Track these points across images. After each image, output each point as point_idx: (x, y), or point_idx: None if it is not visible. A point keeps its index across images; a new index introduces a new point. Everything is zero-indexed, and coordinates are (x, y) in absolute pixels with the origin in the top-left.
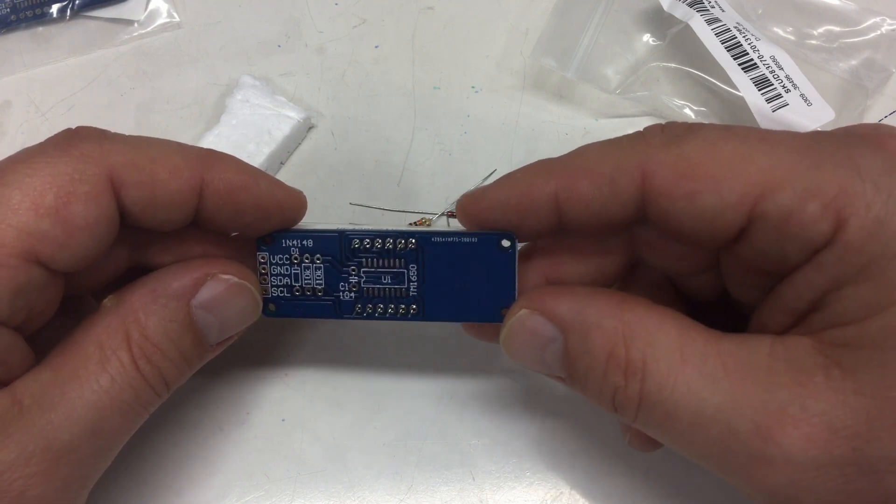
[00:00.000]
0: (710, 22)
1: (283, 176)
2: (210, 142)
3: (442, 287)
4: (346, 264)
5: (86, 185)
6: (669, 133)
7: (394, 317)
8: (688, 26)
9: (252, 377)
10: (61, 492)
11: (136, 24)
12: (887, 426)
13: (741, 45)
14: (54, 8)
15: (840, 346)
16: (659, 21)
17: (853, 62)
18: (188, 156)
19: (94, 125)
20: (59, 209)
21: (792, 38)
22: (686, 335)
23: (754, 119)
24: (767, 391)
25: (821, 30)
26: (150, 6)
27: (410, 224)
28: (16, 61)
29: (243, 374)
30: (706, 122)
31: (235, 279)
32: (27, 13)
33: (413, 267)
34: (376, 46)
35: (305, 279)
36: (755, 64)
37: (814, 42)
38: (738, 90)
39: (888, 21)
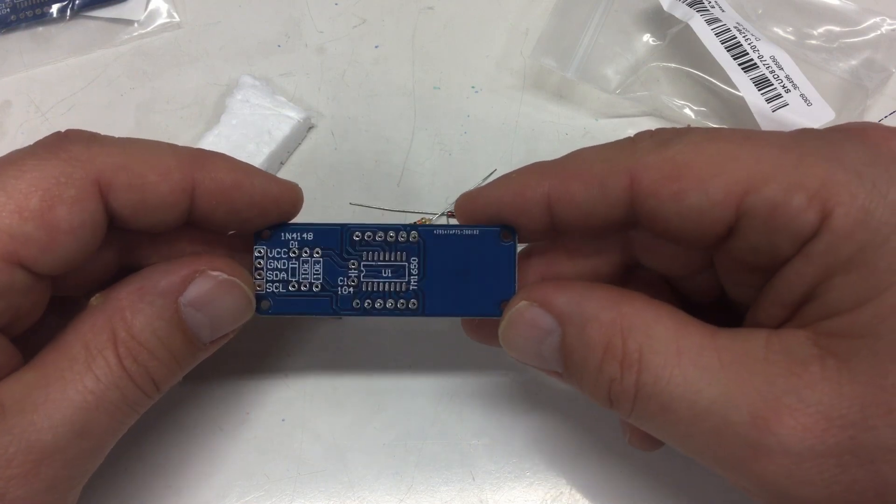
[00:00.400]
0: (710, 22)
1: (283, 176)
2: (210, 142)
3: (442, 281)
4: (347, 258)
5: (72, 188)
6: (658, 138)
7: (392, 312)
8: (688, 26)
9: (252, 377)
10: (45, 493)
11: (136, 24)
12: (881, 414)
13: (741, 45)
14: (54, 8)
15: (834, 336)
16: (659, 21)
17: (853, 62)
18: (178, 157)
19: (94, 125)
20: (43, 212)
21: (792, 38)
22: (683, 328)
23: (754, 119)
24: (764, 383)
25: (821, 30)
26: (150, 6)
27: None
28: (16, 61)
29: (243, 375)
30: (706, 122)
31: (225, 276)
32: (27, 13)
33: (414, 260)
34: (376, 46)
35: (303, 273)
36: (755, 64)
37: (814, 42)
38: (738, 90)
39: (888, 21)
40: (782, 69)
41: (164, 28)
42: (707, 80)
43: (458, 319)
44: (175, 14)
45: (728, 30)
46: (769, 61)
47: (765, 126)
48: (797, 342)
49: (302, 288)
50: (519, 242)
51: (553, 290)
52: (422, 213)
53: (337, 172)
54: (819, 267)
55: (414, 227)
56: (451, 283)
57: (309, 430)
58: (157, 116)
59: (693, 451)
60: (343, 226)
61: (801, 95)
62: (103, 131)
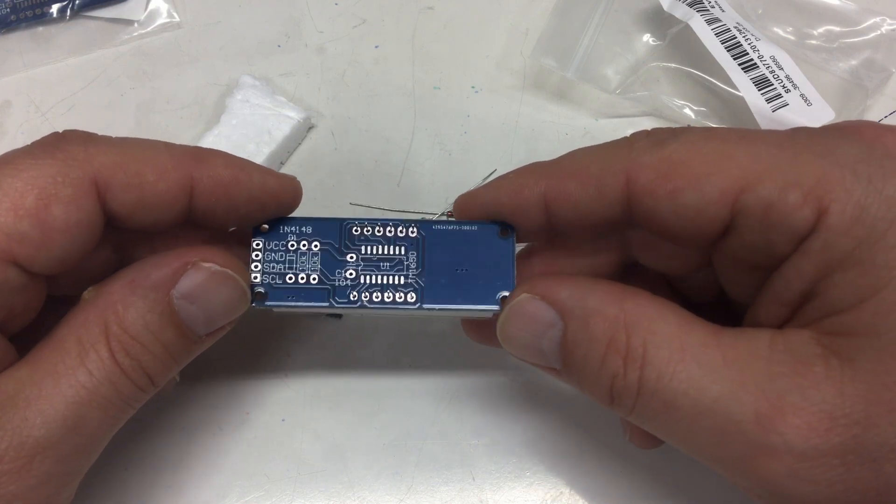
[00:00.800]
0: (710, 22)
1: None
2: (210, 142)
3: (440, 275)
4: (345, 251)
5: (68, 187)
6: (654, 137)
7: (390, 306)
8: (688, 26)
9: (252, 377)
10: (38, 489)
11: (136, 24)
12: (885, 413)
13: (741, 45)
14: (54, 8)
15: (837, 334)
16: (659, 21)
17: (853, 62)
18: (176, 155)
19: (94, 125)
20: (38, 211)
21: (792, 38)
22: (686, 325)
23: (754, 119)
24: (768, 381)
25: (821, 30)
26: (150, 6)
27: None
28: (16, 61)
29: (243, 375)
30: (706, 122)
31: (217, 267)
32: (27, 13)
33: (413, 254)
34: (376, 46)
35: (301, 266)
36: (755, 64)
37: (814, 42)
38: (738, 90)
39: (888, 21)
40: (782, 69)
41: (164, 28)
42: (707, 80)
43: (457, 319)
44: (175, 14)
45: (728, 30)
46: (769, 61)
47: (765, 126)
48: (801, 341)
49: (299, 280)
50: (517, 241)
51: (555, 283)
52: (422, 213)
53: (337, 172)
54: (817, 264)
55: (413, 221)
56: (450, 277)
57: (309, 430)
58: (157, 116)
59: (695, 449)
60: (342, 219)
61: (801, 95)
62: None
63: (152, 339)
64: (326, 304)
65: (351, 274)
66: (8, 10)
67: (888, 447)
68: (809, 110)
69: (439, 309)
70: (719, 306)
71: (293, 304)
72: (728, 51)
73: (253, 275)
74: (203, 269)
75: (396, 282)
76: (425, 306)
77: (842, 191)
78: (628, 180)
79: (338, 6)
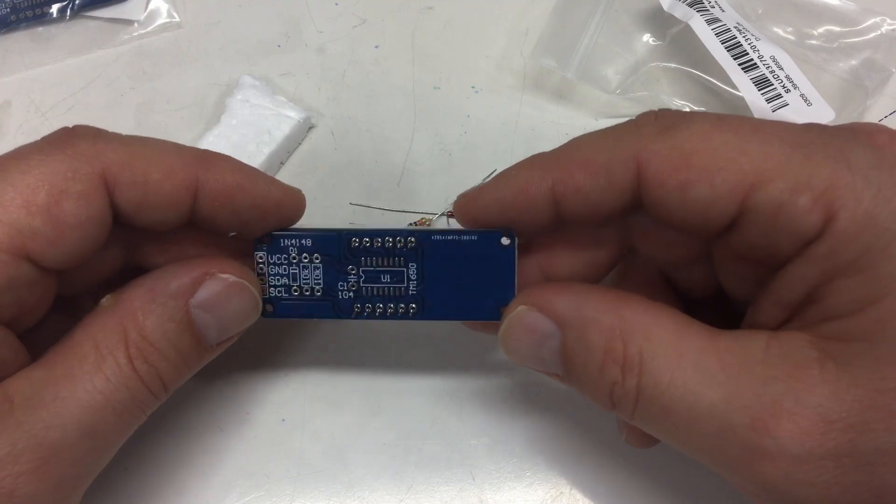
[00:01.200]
0: (710, 22)
1: (283, 176)
2: (210, 142)
3: (441, 285)
4: (345, 263)
5: (79, 183)
6: (663, 122)
7: (393, 316)
8: (688, 26)
9: (252, 377)
10: (52, 491)
11: (136, 24)
12: (881, 418)
13: (741, 45)
14: (54, 8)
15: (834, 339)
16: (659, 21)
17: (853, 62)
18: (183, 156)
19: (94, 125)
20: (50, 207)
21: (792, 38)
22: (682, 331)
23: None
24: (763, 385)
25: (821, 30)
26: (150, 6)
27: (410, 224)
28: (16, 61)
29: (243, 374)
30: None
31: (234, 278)
32: (27, 13)
33: (413, 265)
34: (376, 46)
35: (304, 279)
36: (755, 64)
37: (814, 42)
38: (738, 90)
39: (888, 21)
40: (782, 69)
41: (164, 28)
42: (707, 80)
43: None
44: (175, 14)
45: (728, 30)
46: (769, 61)
47: None
48: (797, 345)
49: (304, 293)
50: (519, 238)
51: (551, 293)
52: (422, 213)
53: (337, 172)
54: (821, 269)
55: (411, 232)
56: (451, 287)
57: (309, 430)
58: (157, 116)
59: (694, 452)
60: (340, 232)
61: (801, 95)
62: None
63: (169, 346)
64: (332, 316)
65: (353, 286)
66: (8, 10)
67: (884, 452)
68: (809, 110)
69: (440, 318)
70: (718, 306)
71: (299, 316)
72: (728, 51)
73: (260, 286)
74: (221, 279)
75: (397, 293)
76: (427, 317)
77: (851, 197)
78: (638, 168)
79: (338, 6)
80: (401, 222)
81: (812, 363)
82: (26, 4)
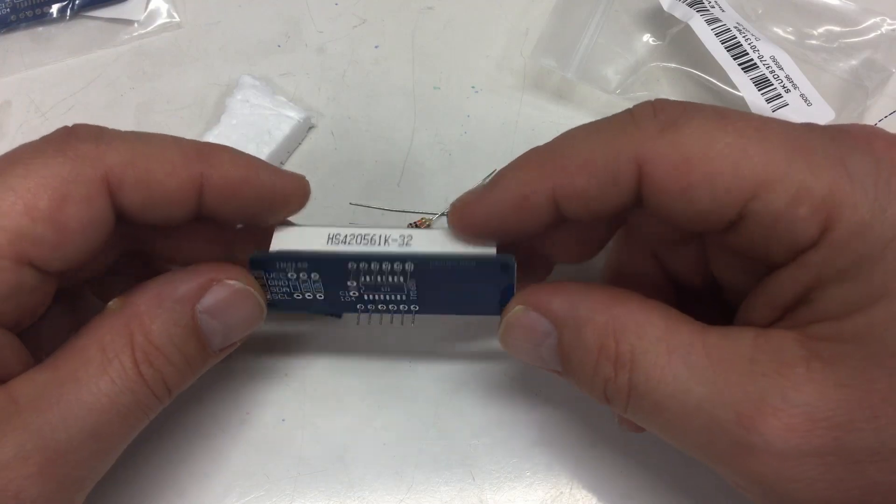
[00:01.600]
0: (710, 22)
1: None
2: (210, 142)
3: (441, 300)
4: (344, 280)
5: (81, 187)
6: (662, 117)
7: (395, 311)
8: (688, 26)
9: (252, 377)
10: (57, 493)
11: (136, 24)
12: (867, 418)
13: (741, 45)
14: (54, 8)
15: (822, 339)
16: (659, 21)
17: (853, 62)
18: (185, 152)
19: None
20: (52, 212)
21: (792, 38)
22: (673, 327)
23: None
24: (750, 382)
25: (821, 30)
26: (150, 6)
27: (410, 224)
28: (16, 61)
29: (243, 374)
30: None
31: (241, 285)
32: (27, 13)
33: (412, 282)
34: (376, 46)
35: (305, 289)
36: (755, 64)
37: (814, 42)
38: (738, 90)
39: (888, 21)
40: (782, 69)
41: (164, 28)
42: (707, 80)
43: (458, 321)
44: (175, 14)
45: (728, 30)
46: (769, 61)
47: None
48: (784, 343)
49: (306, 297)
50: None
51: (548, 293)
52: (422, 213)
53: (337, 172)
54: (813, 275)
55: (408, 257)
56: (451, 300)
57: (309, 430)
58: (157, 116)
59: (684, 446)
60: (336, 256)
61: (801, 95)
62: None
63: (175, 350)
64: (337, 312)
65: (354, 294)
66: (8, 10)
67: (870, 451)
68: (809, 110)
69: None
70: (711, 301)
71: (303, 311)
72: (728, 51)
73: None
74: (227, 286)
75: (398, 299)
76: (427, 314)
77: (849, 207)
78: (640, 168)
79: (338, 6)
80: (401, 222)
81: (799, 361)
82: (26, 4)
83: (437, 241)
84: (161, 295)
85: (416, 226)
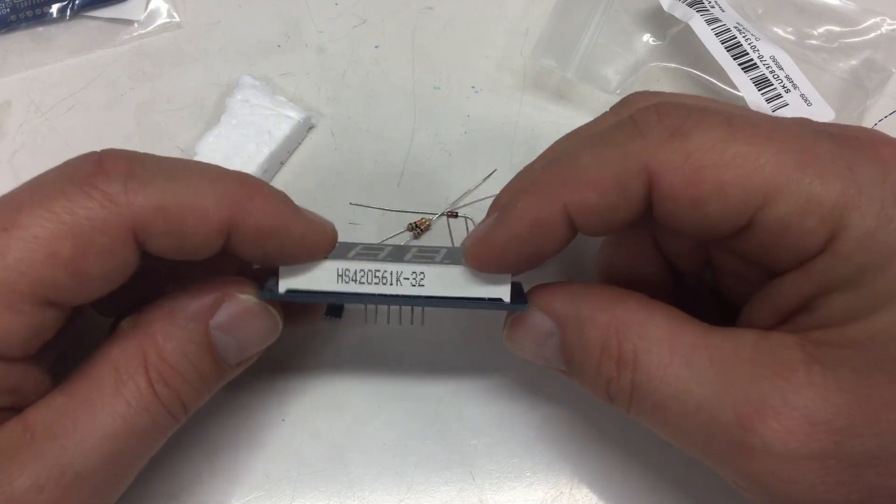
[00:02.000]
0: (710, 22)
1: (283, 176)
2: (210, 142)
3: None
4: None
5: (105, 237)
6: (668, 123)
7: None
8: (688, 26)
9: (252, 377)
10: None
11: (136, 24)
12: (867, 423)
13: (741, 45)
14: (54, 8)
15: (822, 345)
16: (659, 21)
17: (853, 62)
18: (219, 196)
19: (94, 125)
20: (74, 261)
21: (792, 38)
22: (675, 328)
23: None
24: (750, 384)
25: (821, 30)
26: (150, 6)
27: (410, 224)
28: (16, 61)
29: (244, 375)
30: None
31: (254, 300)
32: (27, 13)
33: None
34: (376, 46)
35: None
36: (755, 64)
37: (814, 42)
38: (738, 90)
39: (888, 21)
40: (782, 69)
41: (164, 28)
42: (707, 80)
43: (459, 321)
44: (175, 14)
45: (728, 30)
46: (769, 61)
47: None
48: (785, 346)
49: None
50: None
51: (551, 293)
52: (422, 213)
53: (337, 172)
54: (818, 283)
55: (423, 301)
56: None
57: (309, 430)
58: (157, 116)
59: (685, 446)
60: (349, 298)
61: (801, 95)
62: (103, 131)
63: (190, 368)
64: (336, 316)
65: (360, 303)
66: (8, 10)
67: (870, 455)
68: (809, 110)
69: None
70: (715, 301)
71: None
72: (728, 51)
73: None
74: (239, 301)
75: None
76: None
77: (856, 217)
78: (649, 178)
79: (338, 6)
80: (401, 222)
81: (799, 365)
82: (26, 4)
83: (449, 281)
84: (174, 313)
85: (416, 225)
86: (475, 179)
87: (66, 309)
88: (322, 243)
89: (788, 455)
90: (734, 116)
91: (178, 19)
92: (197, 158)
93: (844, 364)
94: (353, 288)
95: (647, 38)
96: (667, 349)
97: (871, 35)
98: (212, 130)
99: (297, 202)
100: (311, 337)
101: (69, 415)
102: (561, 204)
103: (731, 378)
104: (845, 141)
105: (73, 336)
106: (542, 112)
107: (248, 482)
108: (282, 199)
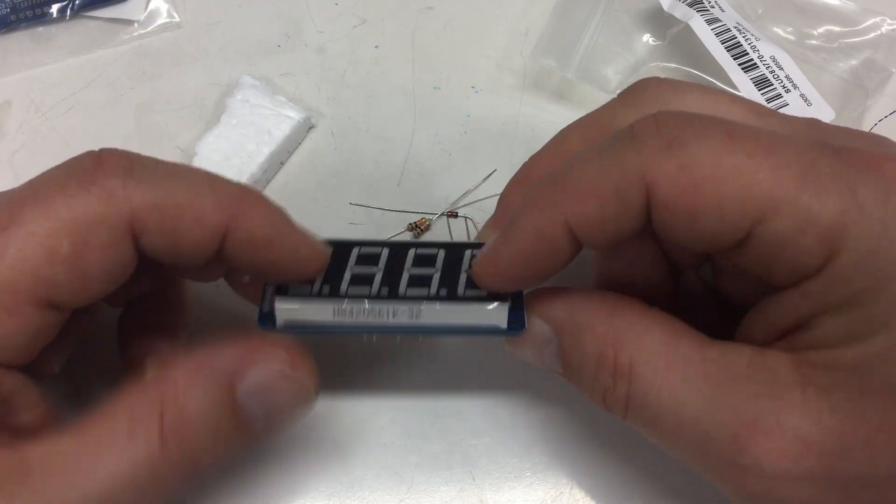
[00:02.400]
0: (710, 22)
1: (283, 176)
2: (210, 142)
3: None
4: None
5: (104, 233)
6: (666, 133)
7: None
8: (688, 26)
9: None
10: None
11: (136, 24)
12: (860, 447)
13: (741, 45)
14: (54, 8)
15: (817, 367)
16: (659, 21)
17: (853, 62)
18: (216, 199)
19: (94, 125)
20: (74, 258)
21: (792, 38)
22: (673, 340)
23: None
24: (743, 401)
25: (821, 30)
26: (150, 6)
27: (410, 224)
28: (16, 61)
29: None
30: None
31: (288, 370)
32: (27, 13)
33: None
34: (376, 46)
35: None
36: (755, 64)
37: (814, 42)
38: (738, 90)
39: (888, 21)
40: (782, 69)
41: (164, 28)
42: (707, 80)
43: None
44: (175, 14)
45: (728, 30)
46: (769, 61)
47: None
48: (779, 365)
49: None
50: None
51: (549, 300)
52: (421, 213)
53: (337, 172)
54: (814, 304)
55: (417, 330)
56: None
57: (309, 430)
58: (157, 116)
59: (680, 458)
60: (339, 327)
61: (801, 95)
62: (103, 131)
63: (208, 430)
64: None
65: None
66: (8, 10)
67: (863, 478)
68: (809, 110)
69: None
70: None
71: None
72: (728, 51)
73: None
74: (272, 367)
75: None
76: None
77: (856, 236)
78: (648, 189)
79: (338, 6)
80: (401, 222)
81: (794, 385)
82: (26, 4)
83: (445, 312)
84: (200, 368)
85: (416, 225)
86: (475, 179)
87: (65, 312)
88: (314, 261)
89: (780, 475)
90: (736, 128)
91: (178, 19)
92: (197, 158)
93: (839, 387)
94: (349, 320)
95: (647, 38)
96: (663, 362)
97: (871, 35)
98: (212, 130)
99: (297, 202)
100: (312, 337)
101: (73, 456)
102: (562, 217)
103: (725, 395)
104: (849, 157)
105: (79, 342)
106: (542, 112)
107: (248, 482)
108: (278, 211)
